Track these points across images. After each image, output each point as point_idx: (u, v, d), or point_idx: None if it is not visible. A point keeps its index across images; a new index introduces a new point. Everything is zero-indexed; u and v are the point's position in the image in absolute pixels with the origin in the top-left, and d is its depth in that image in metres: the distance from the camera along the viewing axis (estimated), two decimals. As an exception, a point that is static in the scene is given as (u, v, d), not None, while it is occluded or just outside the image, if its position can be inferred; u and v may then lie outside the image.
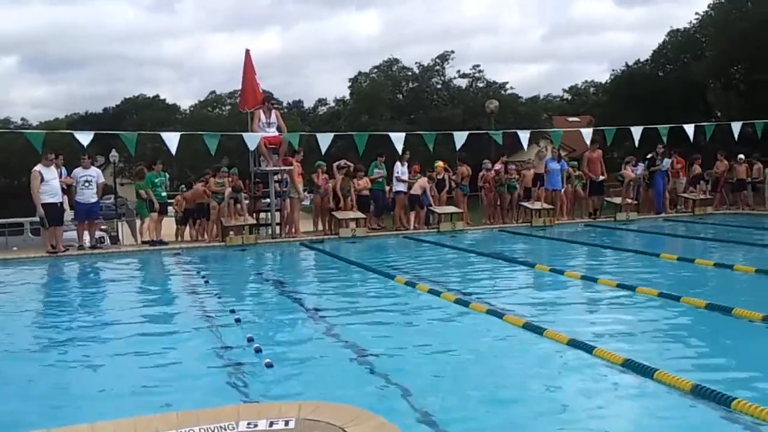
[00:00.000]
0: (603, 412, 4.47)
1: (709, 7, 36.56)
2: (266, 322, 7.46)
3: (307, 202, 17.16)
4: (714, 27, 34.66)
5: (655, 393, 4.72)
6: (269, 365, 5.39)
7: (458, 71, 47.51)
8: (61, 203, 13.68)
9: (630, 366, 5.12)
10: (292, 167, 14.97)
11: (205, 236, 15.26)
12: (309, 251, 13.60)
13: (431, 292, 8.35)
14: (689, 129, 16.27)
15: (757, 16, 29.72)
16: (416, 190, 15.96)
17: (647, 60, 40.01)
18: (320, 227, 15.84)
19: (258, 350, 5.82)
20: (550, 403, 4.63)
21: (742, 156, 18.43)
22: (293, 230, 15.24)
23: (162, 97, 70.42)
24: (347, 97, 49.06)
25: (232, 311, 7.45)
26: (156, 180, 14.47)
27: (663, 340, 6.17)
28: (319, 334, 6.68)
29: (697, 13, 38.19)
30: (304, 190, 16.49)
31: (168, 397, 4.80)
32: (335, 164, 16.01)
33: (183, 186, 19.41)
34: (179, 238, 16.01)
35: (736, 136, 16.52)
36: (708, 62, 34.30)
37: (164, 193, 14.83)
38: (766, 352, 5.76)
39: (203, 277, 10.47)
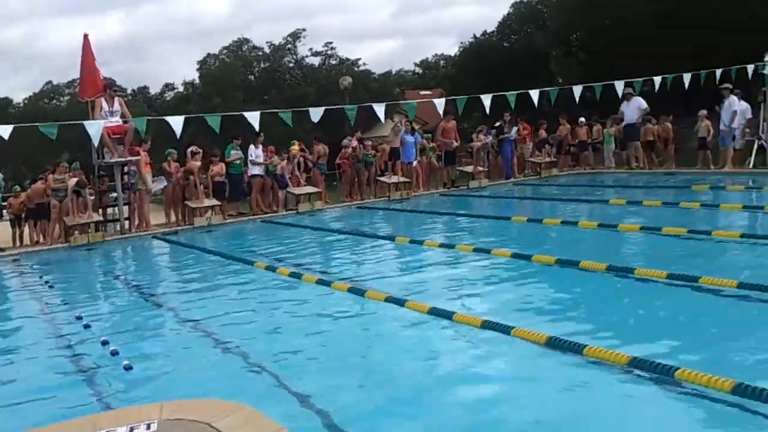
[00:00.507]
0: (471, 372, 4.58)
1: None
2: (120, 323, 7.04)
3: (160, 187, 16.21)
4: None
5: (513, 348, 4.89)
6: (128, 367, 5.12)
7: (310, 49, 47.18)
8: None
9: (489, 326, 5.27)
10: (139, 157, 14.24)
11: (47, 238, 14.25)
12: (162, 245, 13.02)
13: (293, 275, 8.22)
14: (534, 95, 16.98)
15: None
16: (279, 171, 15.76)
17: (493, 31, 41.50)
18: (173, 218, 15.19)
19: (114, 353, 5.51)
20: (421, 372, 4.68)
21: (582, 119, 19.51)
22: (144, 224, 14.53)
23: (-9, 91, 65.19)
24: (196, 80, 47.44)
25: (79, 317, 6.96)
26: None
27: (518, 298, 6.42)
28: (178, 329, 6.44)
29: (538, -16, 40.02)
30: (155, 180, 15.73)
31: (17, 415, 4.45)
32: (189, 150, 15.36)
33: (17, 186, 17.98)
34: (17, 243, 14.84)
35: (577, 99, 17.42)
36: (550, 32, 36.04)
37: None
38: (613, 300, 6.12)
39: (47, 282, 9.70)
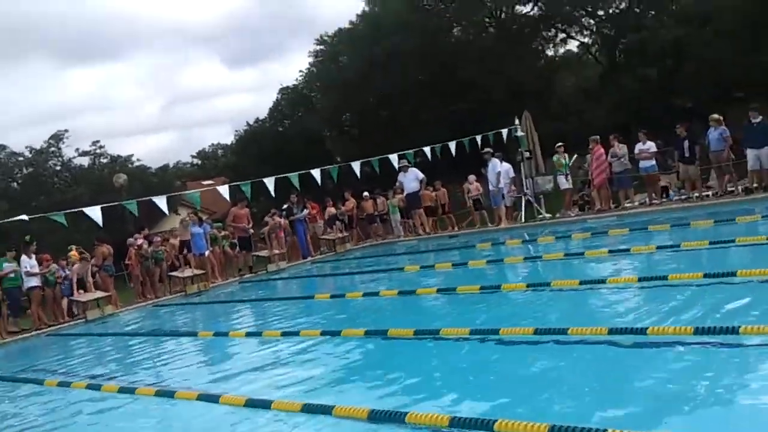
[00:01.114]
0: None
1: (310, 64, 40.03)
2: None
3: None
4: (319, 82, 38.02)
5: (338, 427, 4.83)
6: None
7: (77, 150, 44.80)
8: None
9: (309, 409, 5.18)
10: None
11: None
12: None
13: (90, 387, 7.55)
14: (316, 174, 17.40)
15: (352, 67, 33.30)
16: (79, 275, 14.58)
17: (266, 118, 42.27)
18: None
19: None
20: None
21: (366, 193, 20.34)
22: None
23: None
24: (-52, 193, 42.96)
25: None
26: None
27: (335, 374, 6.38)
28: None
29: (300, 71, 41.56)
30: None
31: None
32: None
33: None
34: None
35: (358, 175, 18.11)
36: (320, 114, 37.45)
37: None
38: (427, 363, 6.29)
39: None
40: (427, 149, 18.54)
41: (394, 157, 18.35)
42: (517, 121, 17.90)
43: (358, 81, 32.54)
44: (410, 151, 18.88)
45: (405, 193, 18.75)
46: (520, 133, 17.71)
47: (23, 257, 14.40)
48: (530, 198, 17.25)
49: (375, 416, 4.75)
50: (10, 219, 14.42)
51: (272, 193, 16.80)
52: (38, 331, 13.94)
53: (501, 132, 18.58)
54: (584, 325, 5.91)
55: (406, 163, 18.56)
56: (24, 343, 13.33)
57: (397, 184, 19.08)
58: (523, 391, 4.97)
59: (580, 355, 5.54)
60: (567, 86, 36.45)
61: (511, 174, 17.67)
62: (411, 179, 18.44)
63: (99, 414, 6.55)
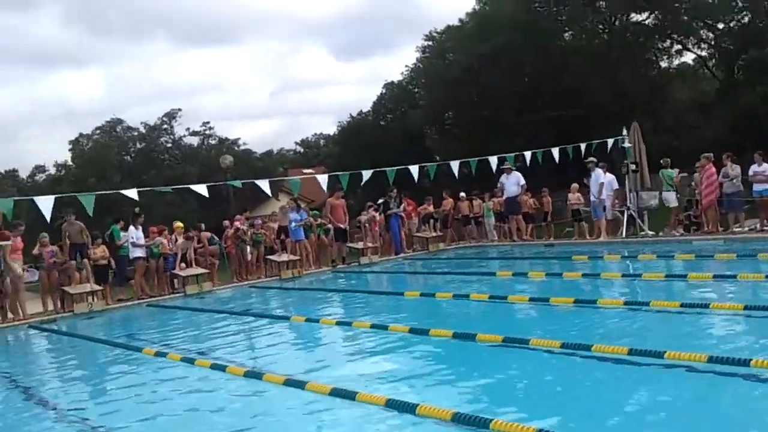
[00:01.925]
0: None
1: (417, 60, 40.13)
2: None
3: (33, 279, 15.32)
4: (424, 78, 38.04)
5: (420, 426, 4.84)
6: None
7: (188, 129, 46.68)
8: None
9: (393, 405, 5.21)
10: (9, 242, 13.37)
11: None
12: (40, 334, 12.19)
13: (184, 360, 7.87)
14: (414, 170, 17.48)
15: (460, 66, 33.14)
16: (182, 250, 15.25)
17: (369, 111, 42.65)
18: (50, 306, 14.26)
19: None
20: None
21: (463, 194, 20.25)
22: (19, 314, 13.54)
23: None
24: (69, 162, 45.65)
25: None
26: None
27: (420, 373, 6.40)
28: (57, 426, 5.95)
29: (407, 66, 41.71)
30: (32, 266, 14.81)
31: None
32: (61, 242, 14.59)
33: None
34: None
35: (456, 174, 18.07)
36: (423, 110, 37.47)
37: None
38: (513, 372, 6.22)
39: None
40: (528, 154, 18.27)
41: (493, 160, 18.19)
42: (624, 132, 17.36)
43: (463, 79, 32.36)
44: (511, 154, 18.66)
45: (504, 197, 18.54)
46: (627, 144, 17.18)
47: (131, 228, 15.12)
48: (633, 213, 16.71)
49: (459, 419, 4.72)
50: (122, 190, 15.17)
51: (369, 186, 17.00)
52: (140, 301, 14.65)
53: (607, 142, 18.08)
54: (682, 350, 5.68)
55: (510, 167, 18.33)
56: (126, 311, 14.02)
57: (499, 185, 18.87)
58: (614, 411, 4.84)
59: (676, 381, 5.33)
60: (680, 99, 34.98)
61: (615, 186, 17.16)
62: (512, 183, 18.20)
63: (189, 387, 6.81)
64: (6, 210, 13.47)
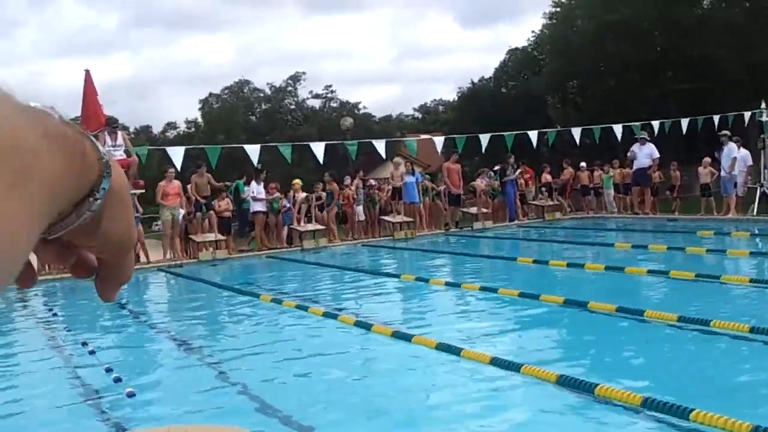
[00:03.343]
0: (474, 409, 4.50)
1: (542, 26, 38.99)
2: (124, 351, 7.02)
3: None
4: (549, 45, 36.93)
5: (523, 386, 4.83)
6: (131, 394, 5.05)
7: (311, 92, 47.69)
8: None
9: (497, 363, 5.22)
10: (143, 190, 14.29)
11: (51, 268, 14.22)
12: (167, 277, 13.00)
13: (299, 307, 8.18)
14: (533, 137, 17.14)
15: (587, 33, 31.96)
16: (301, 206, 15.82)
17: (490, 78, 41.96)
18: (169, 255, 15.02)
19: (117, 380, 5.45)
20: (426, 407, 4.63)
21: (584, 164, 19.68)
22: (144, 257, 14.50)
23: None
24: (199, 119, 47.86)
25: (84, 344, 6.92)
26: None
27: (527, 336, 6.39)
28: (182, 357, 6.38)
29: (533, 32, 40.62)
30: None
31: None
32: (189, 186, 15.38)
33: None
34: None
35: (578, 141, 17.55)
36: (546, 78, 36.46)
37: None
38: (621, 341, 6.08)
39: (51, 309, 9.72)
40: (655, 124, 17.46)
41: (618, 129, 17.51)
42: (763, 105, 16.24)
43: (589, 47, 31.16)
44: (636, 123, 17.88)
45: (634, 168, 17.78)
46: (765, 118, 16.08)
47: (253, 183, 15.73)
48: (766, 190, 15.69)
49: (563, 381, 4.68)
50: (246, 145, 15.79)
51: (486, 152, 16.84)
52: (260, 252, 15.28)
53: (743, 115, 16.99)
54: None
55: (646, 137, 17.51)
56: (247, 260, 14.67)
57: (629, 154, 18.06)
58: (726, 386, 4.65)
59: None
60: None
61: (749, 162, 16.13)
62: (645, 154, 17.35)
63: (303, 331, 7.13)
64: (142, 156, 14.31)
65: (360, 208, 17.21)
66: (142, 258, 14.31)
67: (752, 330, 5.62)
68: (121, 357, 6.63)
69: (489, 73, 42.48)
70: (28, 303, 11.05)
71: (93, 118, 14.85)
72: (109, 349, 6.99)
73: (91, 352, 6.51)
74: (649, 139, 17.55)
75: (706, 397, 4.41)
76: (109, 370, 5.74)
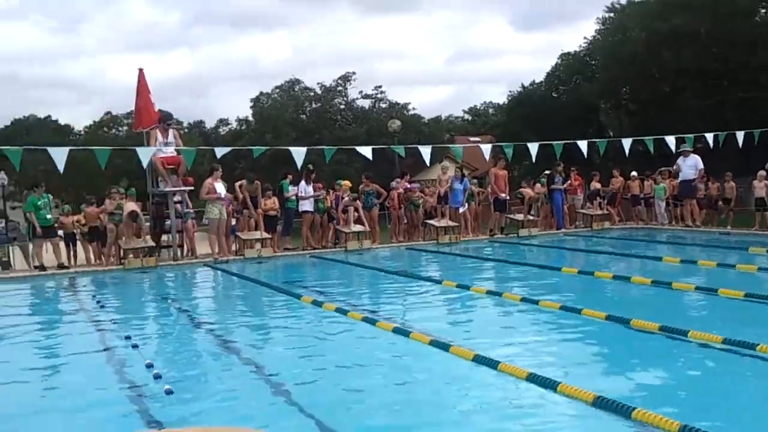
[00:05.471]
0: (508, 425, 4.46)
1: (596, 32, 38.37)
2: (166, 345, 7.20)
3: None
4: (602, 50, 36.33)
5: (558, 405, 4.77)
6: (169, 392, 5.16)
7: (360, 92, 47.77)
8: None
9: (534, 380, 5.16)
10: (192, 187, 14.58)
11: (102, 259, 14.62)
12: (213, 273, 13.22)
13: (338, 311, 8.23)
14: (583, 145, 16.89)
15: (640, 41, 31.35)
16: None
17: (541, 82, 41.50)
18: (216, 249, 15.22)
19: (157, 376, 5.57)
20: (458, 418, 4.61)
21: (635, 173, 19.32)
22: (191, 252, 14.80)
23: (54, 117, 67.40)
24: (250, 117, 48.44)
25: (128, 337, 7.09)
26: (39, 203, 13.71)
27: (566, 352, 6.28)
28: (221, 356, 6.49)
29: (585, 38, 40.00)
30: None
31: (63, 428, 4.50)
32: (236, 184, 15.62)
33: (66, 206, 18.68)
34: (71, 262, 15.26)
35: (627, 152, 17.25)
36: (598, 83, 35.89)
37: (49, 216, 14.04)
38: (664, 362, 5.93)
39: (98, 301, 9.99)
40: (709, 136, 17.05)
41: (670, 140, 17.15)
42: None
43: (643, 54, 30.54)
44: (690, 135, 17.49)
45: (679, 180, 17.47)
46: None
47: (302, 183, 15.87)
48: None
49: (599, 403, 4.59)
50: (292, 147, 15.97)
51: (533, 159, 16.67)
52: (304, 251, 15.42)
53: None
54: None
55: (687, 148, 17.20)
56: (291, 259, 14.83)
57: (674, 167, 17.78)
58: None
59: None
60: None
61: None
62: (690, 165, 17.06)
63: (342, 335, 7.19)
64: (188, 159, 14.53)
65: (401, 211, 17.21)
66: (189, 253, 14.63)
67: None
68: (162, 352, 6.79)
69: (540, 77, 42.01)
70: (77, 292, 11.38)
71: (145, 114, 15.25)
72: (151, 343, 7.16)
73: (134, 346, 6.68)
74: (691, 150, 17.18)
75: (746, 428, 4.30)
76: (149, 366, 5.88)
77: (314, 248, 15.70)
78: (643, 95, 32.83)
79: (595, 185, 19.26)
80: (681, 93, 29.83)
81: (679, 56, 28.98)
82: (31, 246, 14.98)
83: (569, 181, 18.54)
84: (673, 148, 17.28)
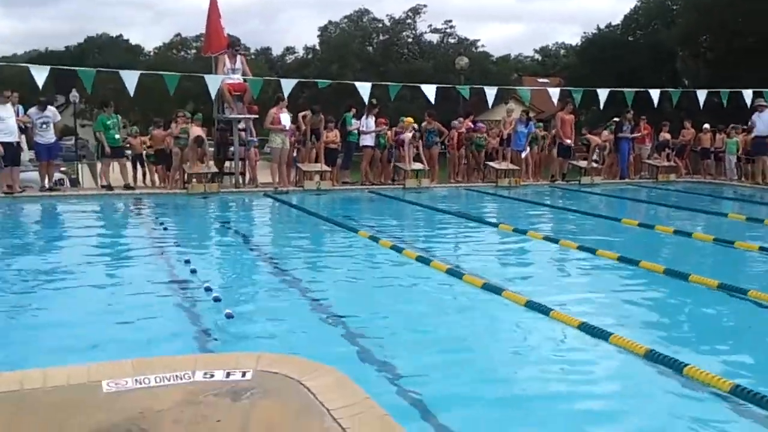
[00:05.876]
0: (555, 372, 4.50)
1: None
2: (225, 271, 7.40)
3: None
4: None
5: (609, 356, 4.77)
6: (229, 316, 5.32)
7: (430, 26, 46.91)
8: (18, 143, 13.26)
9: (585, 329, 5.16)
10: (257, 116, 14.73)
11: (166, 182, 15.02)
12: (273, 202, 13.46)
13: (394, 248, 8.31)
14: (654, 94, 16.34)
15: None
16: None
17: (618, 24, 39.99)
18: (276, 179, 15.45)
19: (217, 299, 5.76)
20: (509, 362, 4.66)
21: (707, 125, 18.63)
22: (254, 180, 15.07)
23: (126, 37, 68.40)
24: (317, 46, 48.23)
25: (187, 261, 7.30)
26: (108, 122, 14.00)
27: (620, 303, 6.24)
28: (280, 286, 6.64)
29: (667, -21, 38.17)
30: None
31: (123, 345, 4.72)
32: (300, 114, 15.70)
33: (134, 127, 19.10)
34: (138, 183, 15.72)
35: (701, 104, 16.63)
36: (677, 30, 34.34)
37: (117, 136, 14.35)
38: (720, 320, 5.86)
39: (162, 223, 10.30)
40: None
41: (747, 93, 16.43)
42: None
43: (726, 2, 29.02)
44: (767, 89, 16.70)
45: (753, 136, 16.80)
46: None
47: (363, 117, 15.83)
48: None
49: (651, 356, 4.57)
50: (358, 82, 15.89)
51: (601, 105, 16.25)
52: (363, 186, 15.52)
53: None
54: None
55: (763, 103, 16.48)
56: (349, 193, 14.96)
57: (749, 122, 17.08)
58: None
59: None
60: None
61: None
62: (765, 121, 16.37)
63: (395, 273, 7.24)
64: (254, 88, 14.63)
65: (462, 151, 17.06)
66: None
67: None
68: (221, 277, 6.99)
69: (617, 19, 40.46)
70: (141, 214, 11.76)
71: (215, 39, 15.37)
72: (210, 267, 7.38)
73: (193, 271, 6.87)
74: (767, 105, 16.42)
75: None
76: (208, 290, 6.08)
77: (372, 183, 15.77)
78: (724, 44, 31.31)
79: (665, 136, 18.67)
80: (765, 44, 28.34)
81: (764, 7, 27.45)
82: (99, 165, 15.43)
83: (638, 129, 18.01)
84: (748, 102, 16.57)
